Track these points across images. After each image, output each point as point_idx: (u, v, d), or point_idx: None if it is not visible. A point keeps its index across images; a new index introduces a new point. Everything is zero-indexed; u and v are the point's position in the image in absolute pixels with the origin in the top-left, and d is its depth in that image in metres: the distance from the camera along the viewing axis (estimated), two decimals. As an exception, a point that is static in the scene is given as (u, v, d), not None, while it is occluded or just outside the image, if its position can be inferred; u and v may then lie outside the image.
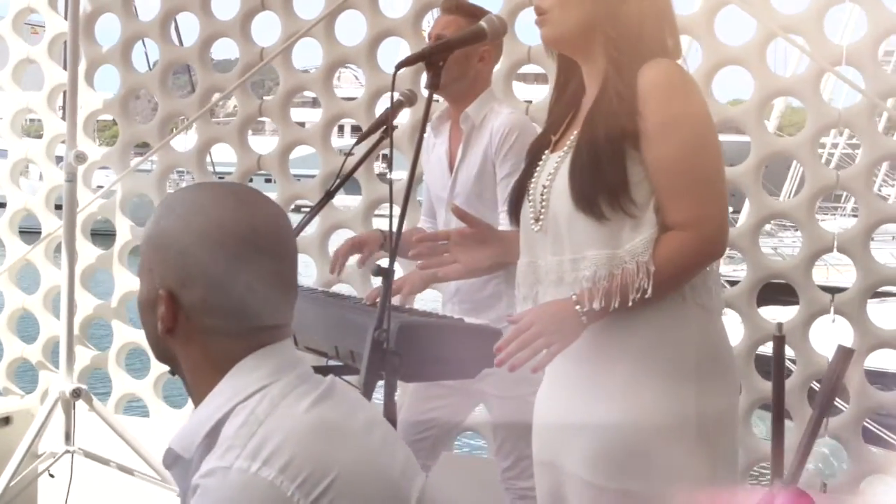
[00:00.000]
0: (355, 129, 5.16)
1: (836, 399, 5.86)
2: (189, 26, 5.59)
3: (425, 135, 3.85)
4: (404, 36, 4.96)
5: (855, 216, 4.98)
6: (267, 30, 5.62)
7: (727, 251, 2.73)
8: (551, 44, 2.58)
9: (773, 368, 3.08)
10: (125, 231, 5.58)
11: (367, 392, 2.51)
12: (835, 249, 4.53)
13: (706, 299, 2.45)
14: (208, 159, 5.55)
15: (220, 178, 5.92)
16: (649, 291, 2.34)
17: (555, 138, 2.61)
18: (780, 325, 3.27)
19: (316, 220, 4.29)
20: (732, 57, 4.56)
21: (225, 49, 59.01)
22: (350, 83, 45.82)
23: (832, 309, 4.52)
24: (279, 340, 1.72)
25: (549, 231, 2.51)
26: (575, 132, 2.52)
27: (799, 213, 4.53)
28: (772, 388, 2.95)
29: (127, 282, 5.56)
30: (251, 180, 5.41)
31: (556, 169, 2.51)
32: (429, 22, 4.54)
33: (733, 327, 4.15)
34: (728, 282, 7.07)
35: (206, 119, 5.41)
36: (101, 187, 5.67)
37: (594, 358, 2.44)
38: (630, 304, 2.37)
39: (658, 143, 2.37)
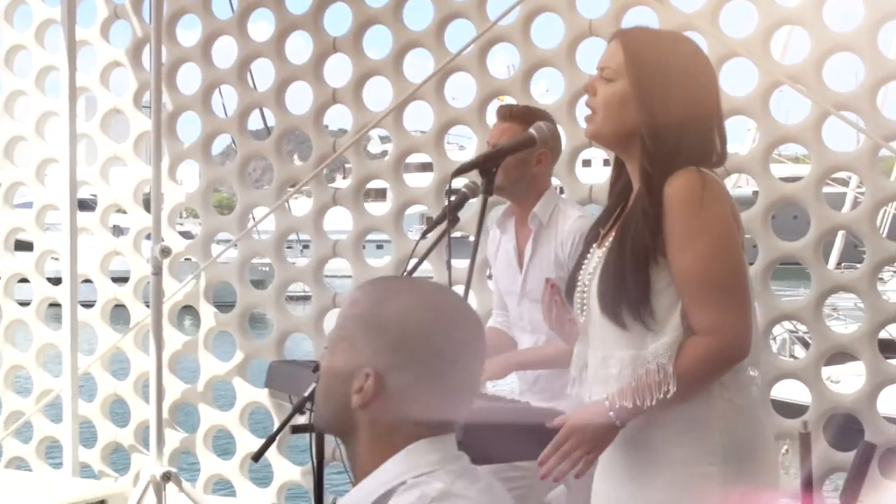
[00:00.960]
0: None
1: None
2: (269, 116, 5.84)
3: (492, 232, 4.07)
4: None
5: None
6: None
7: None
8: (596, 140, 2.74)
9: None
10: (209, 317, 5.82)
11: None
12: None
13: (734, 394, 2.57)
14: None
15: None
16: (671, 392, 2.49)
17: (602, 231, 2.76)
18: (805, 423, 3.39)
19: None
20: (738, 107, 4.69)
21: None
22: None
23: None
24: (450, 432, 1.90)
25: (586, 324, 2.69)
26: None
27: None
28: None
29: (212, 366, 5.80)
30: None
31: (594, 268, 2.67)
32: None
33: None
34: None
35: (283, 208, 5.64)
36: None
37: (631, 451, 2.61)
38: (655, 403, 2.52)
39: (678, 253, 2.51)
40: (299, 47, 5.65)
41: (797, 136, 4.71)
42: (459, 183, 3.31)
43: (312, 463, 3.69)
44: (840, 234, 12.41)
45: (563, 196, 4.14)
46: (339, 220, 5.89)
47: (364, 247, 5.65)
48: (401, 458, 1.83)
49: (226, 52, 5.80)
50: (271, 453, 5.72)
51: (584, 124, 2.74)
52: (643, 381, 2.51)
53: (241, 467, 5.79)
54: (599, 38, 4.91)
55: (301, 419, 4.33)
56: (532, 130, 2.83)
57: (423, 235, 3.87)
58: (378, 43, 5.60)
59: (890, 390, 4.57)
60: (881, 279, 4.46)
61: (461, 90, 5.65)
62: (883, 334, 4.69)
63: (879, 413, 4.57)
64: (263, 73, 5.70)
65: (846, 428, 4.82)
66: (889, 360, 4.61)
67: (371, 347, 1.85)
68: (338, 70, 5.70)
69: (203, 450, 5.87)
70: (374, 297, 1.90)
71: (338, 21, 5.59)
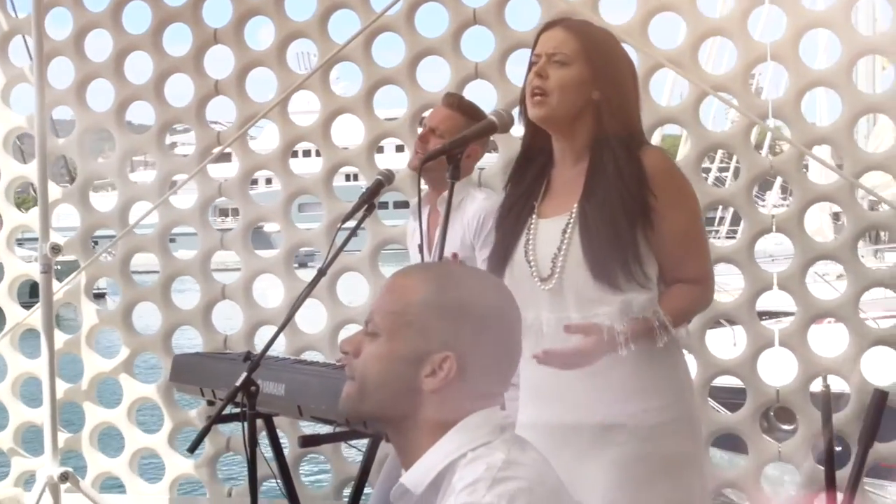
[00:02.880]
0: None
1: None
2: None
3: (409, 222, 4.16)
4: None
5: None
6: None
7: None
8: (543, 122, 2.89)
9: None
10: (91, 314, 5.74)
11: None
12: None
13: (682, 334, 2.91)
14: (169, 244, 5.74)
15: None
16: (666, 338, 2.78)
17: (536, 203, 2.93)
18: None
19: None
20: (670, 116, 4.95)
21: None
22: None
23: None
24: (498, 402, 1.97)
25: (555, 291, 2.83)
26: (570, 202, 2.85)
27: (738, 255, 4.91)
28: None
29: (96, 363, 5.72)
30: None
31: (564, 238, 2.82)
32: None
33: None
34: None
35: (167, 203, 5.60)
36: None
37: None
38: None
39: (671, 215, 2.79)
40: (180, 38, 5.60)
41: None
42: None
43: (247, 453, 3.70)
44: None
45: (472, 180, 4.24)
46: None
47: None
48: (459, 431, 1.90)
49: (101, 46, 5.70)
50: (162, 447, 5.70)
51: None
52: (640, 325, 2.76)
53: (131, 464, 5.74)
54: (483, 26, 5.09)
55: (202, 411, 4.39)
56: (492, 117, 2.94)
57: (344, 220, 3.97)
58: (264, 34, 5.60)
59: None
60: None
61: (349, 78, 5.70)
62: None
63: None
64: (144, 66, 5.64)
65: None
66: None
67: (447, 331, 1.90)
68: (220, 62, 5.69)
69: (90, 448, 5.78)
70: (439, 283, 1.95)
71: (219, 13, 5.58)
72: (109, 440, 6.05)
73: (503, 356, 1.96)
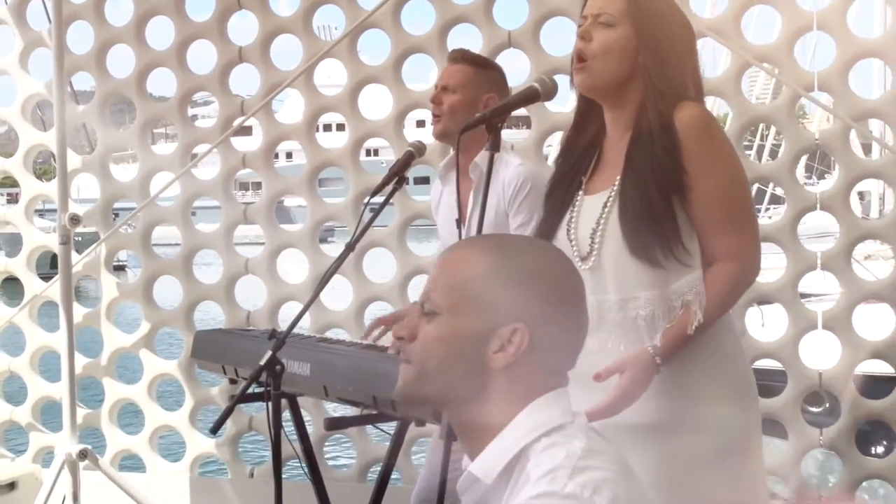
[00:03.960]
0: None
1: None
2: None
3: (434, 183, 4.00)
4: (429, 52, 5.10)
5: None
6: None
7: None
8: (588, 91, 2.73)
9: None
10: (111, 288, 5.60)
11: (449, 439, 2.60)
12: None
13: (735, 322, 2.75)
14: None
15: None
16: (699, 323, 2.56)
17: (584, 178, 2.76)
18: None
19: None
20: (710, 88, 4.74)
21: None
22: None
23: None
24: (566, 385, 1.84)
25: (595, 270, 2.65)
26: (614, 175, 2.67)
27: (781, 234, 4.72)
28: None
29: (116, 338, 5.59)
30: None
31: (603, 213, 2.65)
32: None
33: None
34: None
35: (189, 174, 5.45)
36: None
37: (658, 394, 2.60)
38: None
39: (700, 179, 2.57)
40: (203, 3, 5.43)
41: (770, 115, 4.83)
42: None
43: (271, 433, 3.55)
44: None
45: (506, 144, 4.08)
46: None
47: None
48: (530, 413, 1.77)
49: (122, 11, 5.53)
50: (183, 426, 5.57)
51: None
52: (683, 319, 2.56)
53: (151, 442, 5.61)
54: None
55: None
56: (535, 83, 2.76)
57: (374, 194, 3.81)
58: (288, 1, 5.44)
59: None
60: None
61: (375, 48, 5.52)
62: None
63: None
64: (165, 32, 5.47)
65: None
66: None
67: (514, 302, 1.78)
68: (244, 29, 5.52)
69: (109, 425, 5.65)
70: (502, 254, 1.82)
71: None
72: (129, 417, 5.92)
73: (573, 326, 1.84)
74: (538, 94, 2.76)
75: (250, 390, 3.53)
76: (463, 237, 3.79)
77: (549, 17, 4.95)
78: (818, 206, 4.71)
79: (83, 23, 5.47)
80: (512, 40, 4.97)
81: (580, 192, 2.74)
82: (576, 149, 2.81)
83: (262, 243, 5.40)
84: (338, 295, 5.20)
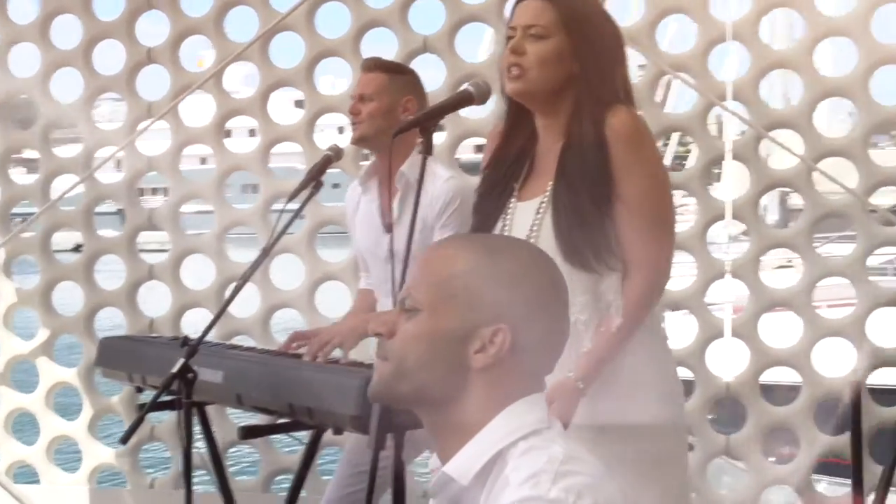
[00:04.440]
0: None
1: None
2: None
3: (350, 190, 3.96)
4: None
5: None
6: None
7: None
8: (523, 98, 2.72)
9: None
10: (9, 294, 5.42)
11: (377, 448, 2.53)
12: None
13: (657, 323, 2.77)
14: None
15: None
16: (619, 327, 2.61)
17: (516, 185, 2.75)
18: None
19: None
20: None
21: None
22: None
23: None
24: (543, 390, 1.81)
25: None
26: (546, 182, 2.68)
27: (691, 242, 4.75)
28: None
29: (13, 345, 5.41)
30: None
31: (536, 219, 2.66)
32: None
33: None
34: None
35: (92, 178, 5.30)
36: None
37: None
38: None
39: (623, 185, 2.59)
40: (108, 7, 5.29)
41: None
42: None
43: (182, 443, 3.45)
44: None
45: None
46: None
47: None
48: (506, 417, 1.73)
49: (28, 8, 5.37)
50: (80, 435, 5.41)
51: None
52: (598, 341, 2.60)
53: (48, 452, 5.43)
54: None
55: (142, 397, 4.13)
56: (469, 87, 2.73)
57: (291, 198, 3.74)
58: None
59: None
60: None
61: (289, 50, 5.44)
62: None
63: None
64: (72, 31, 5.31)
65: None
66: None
67: (498, 302, 1.74)
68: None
69: (4, 435, 5.46)
70: (484, 252, 1.80)
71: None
72: (24, 427, 5.73)
73: (555, 330, 1.81)
74: (472, 97, 2.73)
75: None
76: (387, 245, 3.75)
77: (464, 23, 4.92)
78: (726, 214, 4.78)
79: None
80: (427, 45, 4.93)
81: (513, 199, 2.74)
82: (507, 156, 2.81)
83: (167, 250, 5.29)
84: (243, 301, 5.11)
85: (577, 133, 2.63)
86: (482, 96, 2.73)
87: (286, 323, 5.08)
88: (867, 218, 4.65)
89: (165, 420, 5.21)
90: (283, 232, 3.69)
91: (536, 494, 1.61)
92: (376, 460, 2.52)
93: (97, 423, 5.42)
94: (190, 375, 3.37)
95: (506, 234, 2.70)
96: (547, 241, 2.60)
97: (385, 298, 3.82)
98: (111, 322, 5.76)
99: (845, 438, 4.63)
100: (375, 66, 3.81)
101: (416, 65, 4.81)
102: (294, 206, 3.71)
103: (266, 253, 3.61)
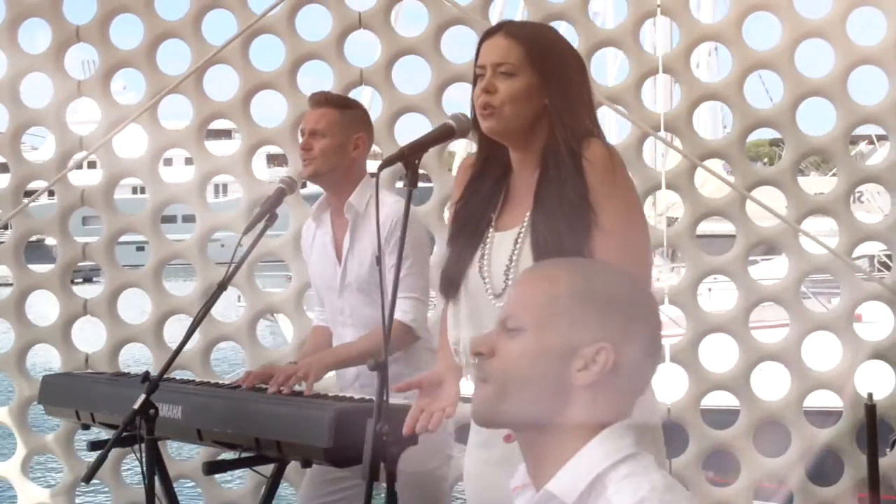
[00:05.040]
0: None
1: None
2: None
3: (305, 225, 3.97)
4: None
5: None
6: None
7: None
8: (497, 135, 2.76)
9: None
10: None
11: (372, 479, 2.54)
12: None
13: None
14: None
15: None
16: None
17: (494, 215, 2.79)
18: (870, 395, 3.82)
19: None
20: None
21: None
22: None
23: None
24: (631, 416, 1.84)
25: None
26: (523, 212, 2.73)
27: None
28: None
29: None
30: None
31: (515, 249, 2.70)
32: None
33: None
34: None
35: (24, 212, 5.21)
36: None
37: None
38: None
39: (600, 214, 2.63)
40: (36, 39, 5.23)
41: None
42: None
43: (144, 479, 3.40)
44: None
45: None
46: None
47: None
48: (605, 440, 1.78)
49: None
50: (14, 475, 5.29)
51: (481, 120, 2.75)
52: None
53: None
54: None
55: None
56: (450, 121, 2.76)
57: (245, 232, 3.74)
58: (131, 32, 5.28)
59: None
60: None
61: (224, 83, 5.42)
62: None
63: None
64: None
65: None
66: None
67: (600, 321, 1.79)
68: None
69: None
70: (584, 273, 1.88)
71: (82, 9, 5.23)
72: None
73: (653, 352, 1.85)
74: (454, 131, 2.77)
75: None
76: (339, 277, 3.77)
77: (400, 56, 4.97)
78: (665, 242, 4.89)
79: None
80: (364, 77, 4.97)
81: (490, 229, 2.77)
82: (482, 188, 2.84)
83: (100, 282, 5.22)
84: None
85: (554, 164, 2.68)
86: (463, 130, 2.77)
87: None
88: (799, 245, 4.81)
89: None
90: (241, 264, 3.68)
91: None
92: (370, 490, 2.52)
93: (31, 463, 5.31)
94: (152, 412, 3.34)
95: (485, 262, 2.74)
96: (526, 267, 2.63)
97: (341, 329, 3.84)
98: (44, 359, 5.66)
99: (783, 461, 4.77)
100: (326, 100, 3.83)
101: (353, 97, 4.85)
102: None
103: (223, 287, 3.59)
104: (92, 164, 5.66)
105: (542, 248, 2.63)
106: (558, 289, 1.83)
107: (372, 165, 3.65)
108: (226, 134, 30.73)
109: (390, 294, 2.59)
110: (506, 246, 2.72)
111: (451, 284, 2.82)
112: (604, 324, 1.79)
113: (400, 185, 4.99)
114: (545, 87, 2.70)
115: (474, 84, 2.77)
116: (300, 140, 3.85)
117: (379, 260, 2.79)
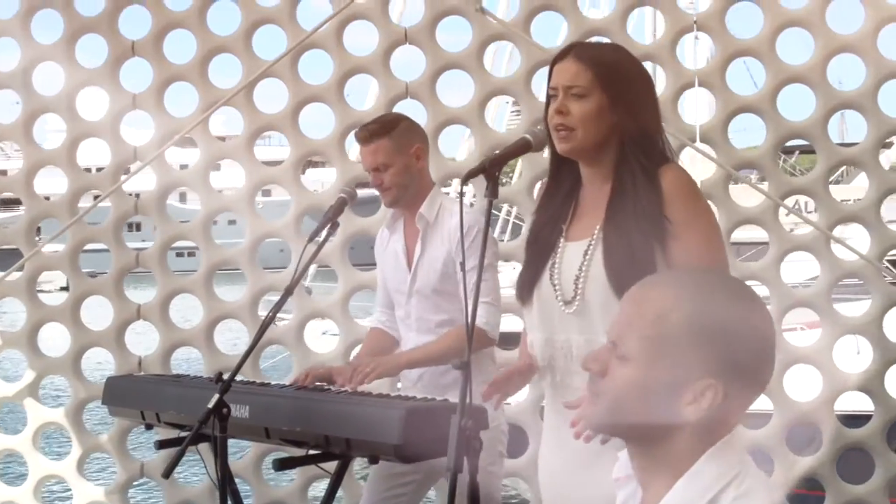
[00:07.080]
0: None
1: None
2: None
3: (380, 231, 4.16)
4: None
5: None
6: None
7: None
8: (572, 154, 2.95)
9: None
10: (-7, 336, 5.48)
11: (456, 471, 2.70)
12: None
13: None
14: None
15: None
16: None
17: (564, 226, 2.97)
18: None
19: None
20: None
21: None
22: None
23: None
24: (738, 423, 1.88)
25: (580, 313, 2.86)
26: (593, 224, 2.91)
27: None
28: None
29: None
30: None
31: (585, 259, 2.88)
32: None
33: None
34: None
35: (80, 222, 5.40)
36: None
37: None
38: None
39: (686, 231, 2.81)
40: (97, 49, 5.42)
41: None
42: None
43: (217, 476, 3.59)
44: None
45: (446, 193, 4.28)
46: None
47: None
48: (714, 458, 1.79)
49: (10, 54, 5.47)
50: (70, 474, 5.47)
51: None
52: None
53: (35, 492, 5.49)
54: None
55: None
56: (527, 136, 2.95)
57: (310, 239, 3.93)
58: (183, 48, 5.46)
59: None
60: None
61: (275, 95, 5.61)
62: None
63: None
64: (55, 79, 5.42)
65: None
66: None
67: (710, 357, 1.77)
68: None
69: (-9, 475, 5.52)
70: (697, 300, 1.80)
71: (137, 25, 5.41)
72: (12, 468, 5.77)
73: (764, 373, 1.82)
74: (530, 144, 2.95)
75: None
76: (408, 283, 3.95)
77: (445, 70, 5.15)
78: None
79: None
80: (409, 91, 5.15)
81: (562, 239, 2.95)
82: (555, 199, 3.03)
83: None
84: (233, 339, 5.27)
85: (629, 180, 2.85)
86: (539, 144, 2.95)
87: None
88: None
89: (154, 458, 5.31)
90: (305, 270, 3.89)
91: None
92: (454, 483, 2.68)
93: (86, 462, 5.48)
94: (224, 410, 3.52)
95: (556, 271, 2.91)
96: (596, 279, 2.82)
97: (408, 333, 4.03)
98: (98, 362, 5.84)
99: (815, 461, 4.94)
100: (371, 134, 3.97)
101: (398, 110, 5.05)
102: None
103: (290, 292, 3.78)
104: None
105: (615, 257, 2.81)
106: (668, 320, 1.79)
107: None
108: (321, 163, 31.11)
109: (473, 298, 2.76)
110: (576, 256, 2.89)
111: (525, 291, 2.99)
112: (713, 358, 1.76)
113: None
114: (614, 107, 2.87)
115: (547, 103, 2.95)
116: (370, 179, 4.05)
117: (462, 266, 2.96)
